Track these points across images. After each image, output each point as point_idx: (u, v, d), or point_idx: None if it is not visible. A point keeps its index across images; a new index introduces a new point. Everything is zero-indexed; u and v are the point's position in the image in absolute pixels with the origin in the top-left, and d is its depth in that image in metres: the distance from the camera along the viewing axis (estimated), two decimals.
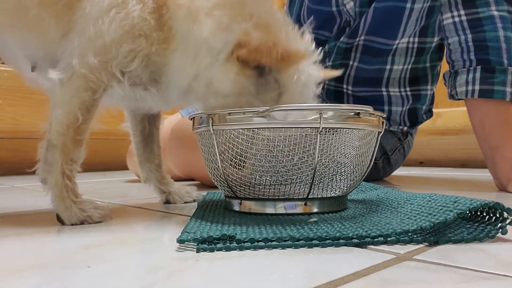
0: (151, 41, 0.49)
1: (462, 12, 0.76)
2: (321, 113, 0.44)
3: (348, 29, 0.91)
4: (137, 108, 0.61)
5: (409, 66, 0.91)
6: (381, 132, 0.51)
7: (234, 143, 0.48)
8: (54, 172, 0.49)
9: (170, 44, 0.50)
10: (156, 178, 0.66)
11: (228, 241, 0.38)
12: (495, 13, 0.74)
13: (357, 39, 0.90)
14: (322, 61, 0.95)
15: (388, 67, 0.91)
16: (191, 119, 0.53)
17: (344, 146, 0.48)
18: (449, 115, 1.50)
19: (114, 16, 0.48)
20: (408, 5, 0.85)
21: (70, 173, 0.50)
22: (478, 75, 0.75)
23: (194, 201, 0.67)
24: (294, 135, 0.47)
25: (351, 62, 0.92)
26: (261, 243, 0.38)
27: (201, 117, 0.50)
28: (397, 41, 0.89)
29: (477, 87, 0.75)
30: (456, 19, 0.77)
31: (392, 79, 0.92)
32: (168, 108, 0.60)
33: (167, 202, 0.66)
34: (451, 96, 0.81)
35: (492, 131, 0.76)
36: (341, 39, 0.92)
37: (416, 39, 0.90)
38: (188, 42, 0.50)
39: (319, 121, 0.44)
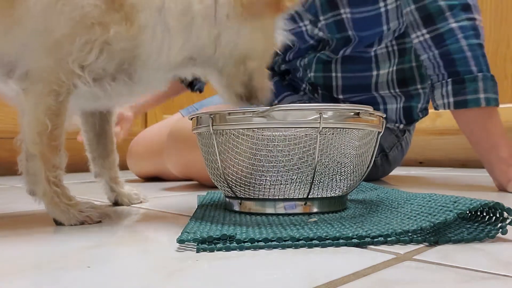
0: (105, 26, 0.46)
1: (424, 31, 0.79)
2: (321, 113, 0.44)
3: (328, 47, 0.94)
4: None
5: (394, 68, 0.92)
6: (381, 132, 0.51)
7: (234, 143, 0.48)
8: (40, 182, 0.48)
9: (134, 23, 0.47)
10: (108, 176, 0.63)
11: (228, 241, 0.38)
12: (454, 25, 0.76)
13: (339, 54, 0.93)
14: (304, 72, 0.98)
15: (374, 73, 0.92)
16: (191, 119, 0.53)
17: (344, 146, 0.48)
18: (449, 115, 1.49)
19: (62, 9, 0.45)
20: (384, 27, 0.88)
21: (56, 179, 0.48)
22: (450, 88, 0.78)
23: (141, 202, 0.66)
24: (294, 135, 0.47)
25: (334, 74, 0.94)
26: (261, 243, 0.38)
27: (201, 117, 0.50)
28: (374, 48, 0.91)
29: (451, 100, 0.78)
30: (421, 38, 0.80)
31: (380, 83, 0.93)
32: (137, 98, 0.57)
33: (115, 203, 0.64)
34: (435, 108, 0.83)
35: (482, 136, 0.78)
36: (323, 51, 0.94)
37: (394, 42, 0.91)
38: (165, 17, 0.47)
39: (319, 121, 0.44)
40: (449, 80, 0.77)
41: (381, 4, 0.86)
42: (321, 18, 0.90)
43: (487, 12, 1.41)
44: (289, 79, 1.05)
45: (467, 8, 0.76)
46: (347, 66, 0.93)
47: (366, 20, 0.87)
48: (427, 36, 0.79)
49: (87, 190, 0.88)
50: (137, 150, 1.07)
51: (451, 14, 0.76)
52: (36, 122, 0.47)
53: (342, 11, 0.87)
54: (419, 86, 0.94)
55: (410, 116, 0.96)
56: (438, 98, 0.80)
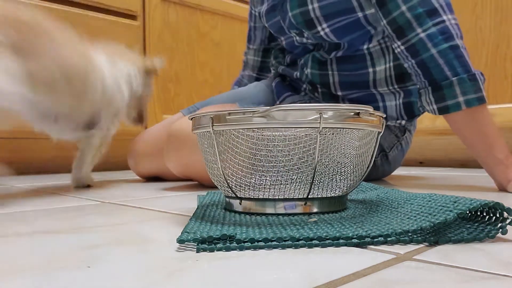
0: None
1: (399, 43, 0.81)
2: (321, 113, 0.44)
3: (322, 50, 0.95)
4: None
5: (391, 64, 0.93)
6: (381, 132, 0.51)
7: (234, 143, 0.48)
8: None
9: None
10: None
11: (228, 241, 0.38)
12: (422, 34, 0.77)
13: (332, 55, 0.94)
14: (301, 71, 1.01)
15: (371, 70, 0.93)
16: (191, 119, 0.53)
17: (344, 146, 0.48)
18: None
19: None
20: (369, 27, 0.89)
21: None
22: (431, 95, 0.79)
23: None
24: (294, 135, 0.47)
25: (330, 72, 0.95)
26: (261, 243, 0.38)
27: (201, 117, 0.50)
28: (366, 46, 0.91)
29: (434, 106, 0.79)
30: (398, 49, 0.82)
31: (378, 80, 0.93)
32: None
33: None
34: (427, 112, 0.85)
35: (475, 139, 0.78)
36: (318, 51, 0.96)
37: (387, 38, 0.92)
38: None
39: (319, 121, 0.44)
40: (429, 87, 0.79)
41: (359, 13, 0.88)
42: (304, 30, 0.92)
43: (487, 12, 1.41)
44: (290, 79, 1.06)
45: (432, 13, 0.77)
46: (342, 65, 0.94)
47: (347, 26, 0.89)
48: (402, 47, 0.80)
49: (88, 190, 0.88)
50: (138, 150, 1.07)
51: (418, 24, 0.77)
52: (102, 144, 0.93)
53: (319, 28, 0.90)
54: None
55: (411, 112, 0.97)
56: (425, 104, 0.81)
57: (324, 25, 0.89)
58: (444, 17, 0.77)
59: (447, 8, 0.78)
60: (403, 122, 0.97)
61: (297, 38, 0.96)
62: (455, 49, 0.76)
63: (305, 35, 0.93)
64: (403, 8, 0.78)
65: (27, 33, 0.67)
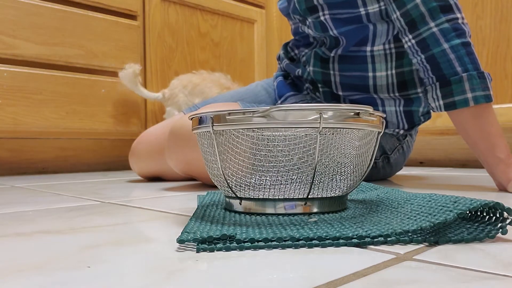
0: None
1: (410, 36, 0.81)
2: (321, 113, 0.44)
3: (324, 47, 0.96)
4: None
5: (394, 71, 0.93)
6: (381, 132, 0.51)
7: (234, 143, 0.48)
8: None
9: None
10: None
11: (228, 241, 0.38)
12: (435, 29, 0.78)
13: (333, 53, 0.94)
14: (303, 68, 1.02)
15: (370, 74, 0.92)
16: (191, 119, 0.53)
17: (344, 146, 0.48)
18: None
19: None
20: (370, 25, 0.90)
21: None
22: (438, 91, 0.79)
23: None
24: (294, 135, 0.47)
25: (331, 72, 0.95)
26: (261, 243, 0.38)
27: (201, 117, 0.50)
28: (369, 48, 0.91)
29: (441, 102, 0.79)
30: (409, 43, 0.82)
31: (379, 86, 0.93)
32: None
33: None
34: (431, 110, 0.85)
35: (478, 137, 0.78)
36: (320, 47, 0.97)
37: (392, 45, 0.92)
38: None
39: (319, 121, 0.44)
40: (437, 83, 0.79)
41: (361, 9, 0.88)
42: (307, 17, 0.93)
43: (487, 12, 1.41)
44: (292, 77, 1.06)
45: (446, 9, 0.77)
46: (343, 65, 0.94)
47: (348, 20, 0.90)
48: (413, 41, 0.80)
49: (88, 190, 0.88)
50: (139, 149, 1.07)
51: (431, 18, 0.78)
52: None
53: (320, 13, 0.91)
54: (419, 90, 0.95)
55: (411, 121, 0.96)
56: (431, 101, 0.81)
57: (326, 12, 0.90)
58: (457, 15, 0.77)
59: (458, 8, 0.78)
60: (401, 131, 0.97)
61: (301, 25, 0.97)
62: (466, 46, 0.76)
63: (307, 22, 0.94)
64: (417, 0, 0.79)
65: (194, 87, 1.52)
